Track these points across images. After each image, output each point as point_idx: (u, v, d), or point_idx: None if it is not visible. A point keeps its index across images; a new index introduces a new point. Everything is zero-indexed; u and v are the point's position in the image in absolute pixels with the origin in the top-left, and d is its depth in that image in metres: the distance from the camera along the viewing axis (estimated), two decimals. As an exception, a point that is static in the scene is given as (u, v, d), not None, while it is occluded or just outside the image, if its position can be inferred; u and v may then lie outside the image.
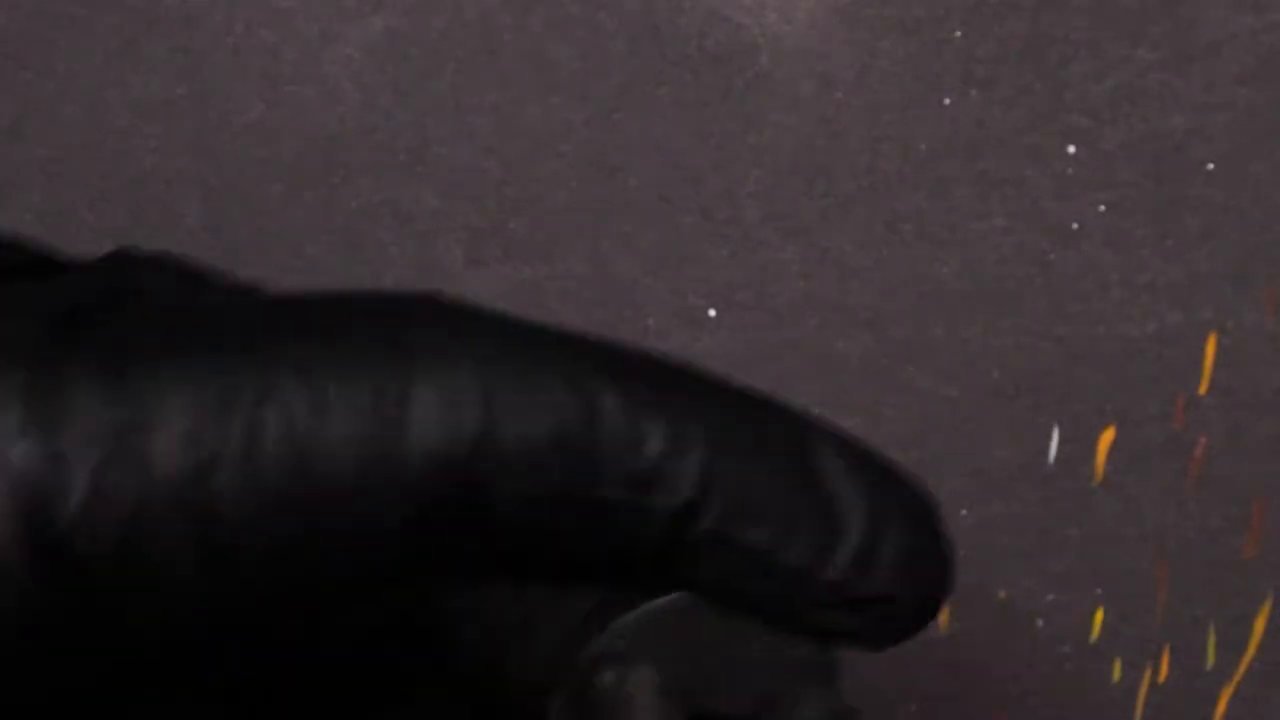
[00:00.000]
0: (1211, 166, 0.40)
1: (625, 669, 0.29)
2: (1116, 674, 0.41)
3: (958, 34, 0.39)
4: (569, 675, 0.30)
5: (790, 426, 0.29)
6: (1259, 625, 0.41)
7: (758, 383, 0.39)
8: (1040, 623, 0.41)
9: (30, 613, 0.24)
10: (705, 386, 0.29)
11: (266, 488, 0.26)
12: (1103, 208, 0.40)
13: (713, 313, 0.40)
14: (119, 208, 0.40)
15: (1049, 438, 0.40)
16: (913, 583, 0.29)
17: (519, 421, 0.27)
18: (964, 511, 0.40)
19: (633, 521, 0.28)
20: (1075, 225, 0.40)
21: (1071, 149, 0.40)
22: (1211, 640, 0.41)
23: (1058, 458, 0.40)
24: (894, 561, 0.29)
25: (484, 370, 0.28)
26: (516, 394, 0.28)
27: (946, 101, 0.39)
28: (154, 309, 0.28)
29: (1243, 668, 0.41)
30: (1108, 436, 0.40)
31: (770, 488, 0.29)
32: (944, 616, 0.41)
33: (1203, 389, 0.40)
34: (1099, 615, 0.41)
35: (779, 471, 0.29)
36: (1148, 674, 0.41)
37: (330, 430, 0.26)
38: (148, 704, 0.29)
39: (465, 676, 0.32)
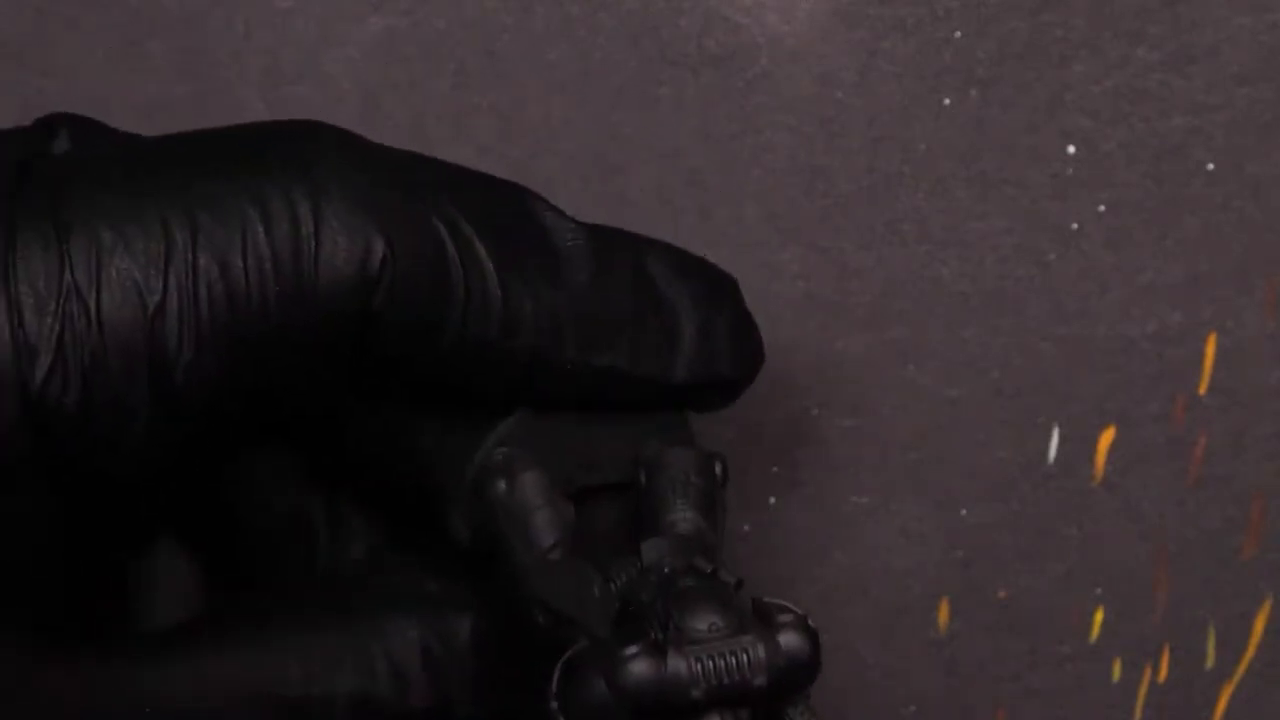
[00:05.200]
0: (1211, 166, 0.40)
1: (512, 476, 0.31)
2: (1116, 674, 0.41)
3: (958, 34, 0.39)
4: (458, 491, 0.32)
5: (625, 245, 0.32)
6: (1259, 625, 0.41)
7: (757, 383, 0.39)
8: (1040, 623, 0.41)
9: (19, 451, 0.28)
10: (542, 224, 0.31)
11: (204, 327, 0.28)
12: (1102, 208, 0.40)
13: (713, 313, 0.40)
14: (119, 208, 0.40)
15: (1049, 438, 0.40)
16: (740, 363, 0.33)
17: (408, 251, 0.29)
18: (964, 511, 0.40)
19: (495, 357, 0.30)
20: (1075, 225, 0.40)
21: (1071, 149, 0.40)
22: (1211, 640, 0.41)
23: (1058, 458, 0.41)
24: (725, 352, 0.33)
25: (379, 201, 0.29)
26: (405, 225, 0.29)
27: (946, 101, 0.39)
28: (90, 159, 0.30)
29: (1243, 668, 0.41)
30: (1108, 436, 0.40)
31: (617, 310, 0.31)
32: (944, 616, 0.41)
33: (1203, 389, 0.40)
34: (1099, 615, 0.41)
35: (623, 294, 0.31)
36: (1148, 674, 0.41)
37: (254, 265, 0.28)
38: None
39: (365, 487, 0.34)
